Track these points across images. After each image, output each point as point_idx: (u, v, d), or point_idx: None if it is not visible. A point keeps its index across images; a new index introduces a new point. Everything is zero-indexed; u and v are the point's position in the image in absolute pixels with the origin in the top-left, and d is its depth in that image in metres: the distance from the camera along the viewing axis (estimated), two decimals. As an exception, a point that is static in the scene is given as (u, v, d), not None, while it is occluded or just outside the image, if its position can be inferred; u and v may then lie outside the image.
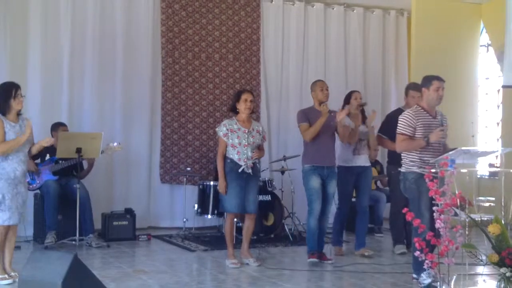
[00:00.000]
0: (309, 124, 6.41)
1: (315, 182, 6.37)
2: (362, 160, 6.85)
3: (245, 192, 6.26)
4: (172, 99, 8.88)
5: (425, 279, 5.29)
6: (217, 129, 6.40)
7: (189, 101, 8.98)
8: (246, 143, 6.25)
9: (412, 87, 6.95)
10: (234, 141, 6.24)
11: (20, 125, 5.45)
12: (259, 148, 6.41)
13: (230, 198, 6.23)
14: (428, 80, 5.55)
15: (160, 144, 8.84)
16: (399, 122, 5.50)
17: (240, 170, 6.21)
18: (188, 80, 9.00)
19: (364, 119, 6.96)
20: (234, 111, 6.42)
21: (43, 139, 5.63)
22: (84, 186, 7.42)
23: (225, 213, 7.74)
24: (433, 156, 5.39)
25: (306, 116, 6.49)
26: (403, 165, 5.54)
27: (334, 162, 6.55)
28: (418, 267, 5.31)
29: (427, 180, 4.63)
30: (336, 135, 6.63)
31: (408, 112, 5.53)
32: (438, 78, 5.54)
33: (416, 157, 5.42)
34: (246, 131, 6.29)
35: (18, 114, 5.50)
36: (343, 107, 6.90)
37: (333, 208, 6.79)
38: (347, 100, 6.97)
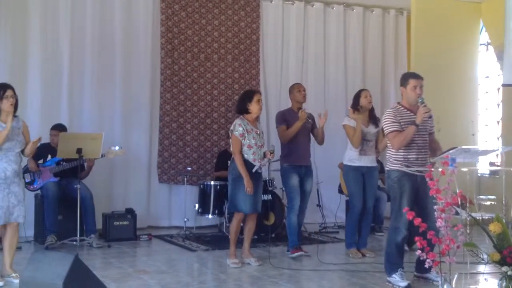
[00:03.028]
0: (286, 127, 6.71)
1: (294, 180, 6.72)
2: (368, 161, 6.82)
3: (256, 191, 6.27)
4: (171, 100, 8.88)
5: (399, 280, 5.30)
6: (231, 128, 6.29)
7: (188, 102, 8.98)
8: (261, 144, 6.30)
9: None
10: (251, 141, 6.20)
11: (13, 126, 5.42)
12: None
13: (246, 199, 6.18)
14: (405, 78, 5.48)
15: (158, 144, 8.84)
16: (384, 123, 5.42)
17: (253, 170, 6.21)
18: (187, 80, 8.99)
19: (372, 119, 6.90)
20: (243, 112, 6.36)
21: (33, 140, 5.58)
22: (86, 187, 7.42)
23: (225, 212, 7.78)
24: (418, 154, 5.37)
25: (284, 118, 6.79)
26: (387, 163, 5.50)
27: (309, 162, 6.84)
28: (390, 266, 5.37)
29: (427, 179, 4.61)
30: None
31: (388, 111, 5.45)
32: (414, 76, 5.47)
33: (401, 156, 5.36)
34: (258, 132, 6.32)
35: (15, 116, 5.48)
36: (352, 106, 6.91)
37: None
38: (357, 98, 6.90)
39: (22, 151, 5.57)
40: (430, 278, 5.48)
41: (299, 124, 6.59)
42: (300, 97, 6.83)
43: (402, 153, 5.36)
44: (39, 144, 5.73)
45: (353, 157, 6.79)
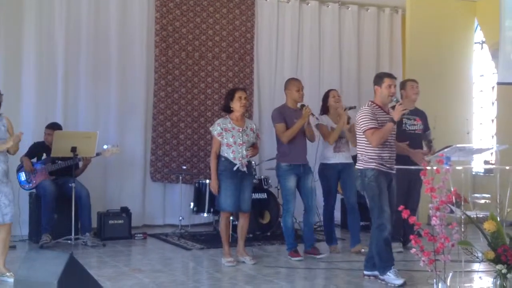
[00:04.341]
0: (285, 124, 6.50)
1: (291, 182, 6.54)
2: (343, 157, 6.90)
3: (240, 190, 6.26)
4: (165, 98, 8.86)
5: (394, 278, 5.30)
6: (211, 128, 6.36)
7: (182, 100, 8.97)
8: (241, 142, 6.24)
9: (408, 79, 7.06)
10: (229, 140, 6.21)
11: None
12: (253, 146, 6.42)
13: (225, 197, 6.21)
14: (379, 77, 5.58)
15: (151, 143, 8.83)
16: (360, 120, 5.43)
17: (234, 169, 6.20)
18: (181, 79, 8.98)
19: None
20: (227, 110, 6.38)
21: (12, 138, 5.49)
22: (82, 185, 7.40)
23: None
24: (390, 152, 5.46)
25: (282, 115, 6.57)
26: (360, 162, 5.50)
27: (306, 160, 6.67)
28: (383, 264, 5.38)
29: (422, 177, 4.63)
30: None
31: (364, 108, 5.48)
32: (389, 75, 5.59)
33: (375, 154, 5.39)
34: (241, 130, 6.27)
35: None
36: (322, 106, 7.08)
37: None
38: (325, 99, 7.05)
39: (8, 150, 5.53)
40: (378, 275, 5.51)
41: (302, 122, 6.44)
42: (298, 97, 6.61)
43: (376, 152, 5.40)
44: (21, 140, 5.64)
45: (328, 155, 6.88)
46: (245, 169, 6.25)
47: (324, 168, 6.92)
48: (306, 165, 6.65)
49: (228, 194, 6.20)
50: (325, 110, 7.04)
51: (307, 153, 6.70)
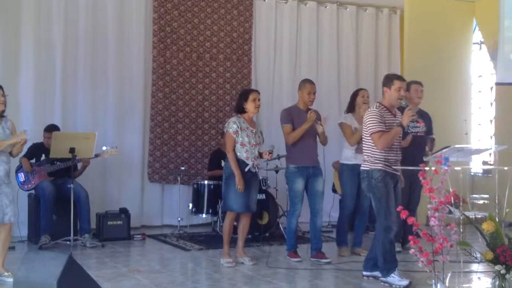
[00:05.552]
0: (292, 126, 6.46)
1: (299, 184, 6.47)
2: None
3: (249, 191, 6.24)
4: (163, 99, 8.86)
5: (399, 280, 5.30)
6: (226, 125, 6.31)
7: (180, 101, 8.97)
8: (255, 143, 6.25)
9: (414, 81, 6.98)
10: (244, 139, 6.20)
11: (2, 126, 5.41)
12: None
13: (237, 198, 6.17)
14: (389, 79, 5.52)
15: (149, 143, 8.83)
16: (368, 122, 5.42)
17: (246, 169, 6.19)
18: (179, 80, 8.98)
19: None
20: (241, 111, 6.35)
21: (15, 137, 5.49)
22: (81, 185, 7.40)
23: (219, 212, 7.78)
24: (396, 155, 5.47)
25: (290, 116, 6.53)
26: (366, 163, 5.49)
27: (317, 162, 6.58)
28: (388, 266, 5.37)
29: (420, 178, 4.64)
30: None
31: (373, 110, 5.46)
32: (399, 78, 5.54)
33: (381, 156, 5.39)
34: (254, 131, 6.29)
35: (2, 116, 5.45)
36: (349, 105, 6.94)
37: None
38: (354, 98, 6.92)
39: (10, 152, 5.54)
40: (378, 276, 5.52)
41: (307, 126, 6.37)
42: (308, 101, 6.55)
43: (383, 154, 5.40)
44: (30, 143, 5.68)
45: (349, 156, 6.78)
46: (256, 170, 6.27)
47: (345, 169, 6.82)
48: (316, 167, 6.55)
49: (240, 195, 6.16)
50: (351, 108, 6.89)
51: (317, 155, 6.60)
